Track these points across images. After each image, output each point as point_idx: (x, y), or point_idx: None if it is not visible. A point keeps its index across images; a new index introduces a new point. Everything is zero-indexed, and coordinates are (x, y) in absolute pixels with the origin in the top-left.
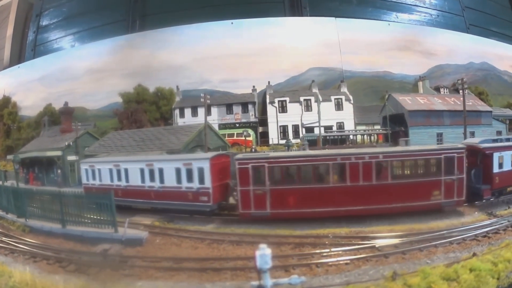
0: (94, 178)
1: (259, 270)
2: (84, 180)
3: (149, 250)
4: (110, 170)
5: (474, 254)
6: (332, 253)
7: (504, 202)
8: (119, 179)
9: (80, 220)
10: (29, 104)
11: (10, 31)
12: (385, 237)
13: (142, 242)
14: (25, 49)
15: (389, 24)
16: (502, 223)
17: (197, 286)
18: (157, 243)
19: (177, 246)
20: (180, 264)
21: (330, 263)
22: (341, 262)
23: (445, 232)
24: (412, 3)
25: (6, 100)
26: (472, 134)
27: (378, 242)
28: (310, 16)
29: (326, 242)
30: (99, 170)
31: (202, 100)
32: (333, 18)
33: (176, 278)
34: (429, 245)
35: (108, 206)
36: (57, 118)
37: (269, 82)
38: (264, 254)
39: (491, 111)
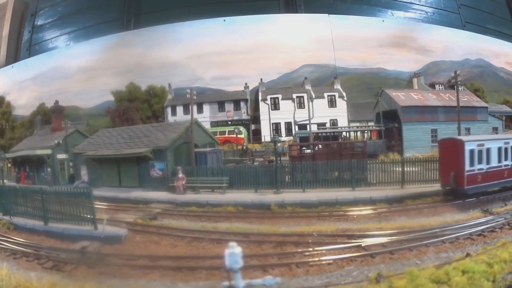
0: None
1: (229, 270)
2: (468, 166)
3: (127, 247)
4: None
5: (468, 255)
6: (315, 252)
7: (501, 199)
8: None
9: (61, 217)
10: (23, 103)
11: (6, 30)
12: (373, 235)
13: (121, 239)
14: (21, 48)
15: (383, 21)
16: (498, 221)
17: (169, 286)
18: (137, 241)
19: (156, 244)
20: (155, 263)
21: (312, 263)
22: (323, 262)
23: (437, 230)
24: (407, 1)
25: (0, 100)
26: (468, 131)
27: (365, 241)
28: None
29: (310, 241)
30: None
31: (188, 96)
32: (327, 15)
33: (149, 277)
34: (419, 244)
35: (87, 203)
36: (50, 117)
37: (261, 79)
38: (233, 252)
39: (487, 107)
